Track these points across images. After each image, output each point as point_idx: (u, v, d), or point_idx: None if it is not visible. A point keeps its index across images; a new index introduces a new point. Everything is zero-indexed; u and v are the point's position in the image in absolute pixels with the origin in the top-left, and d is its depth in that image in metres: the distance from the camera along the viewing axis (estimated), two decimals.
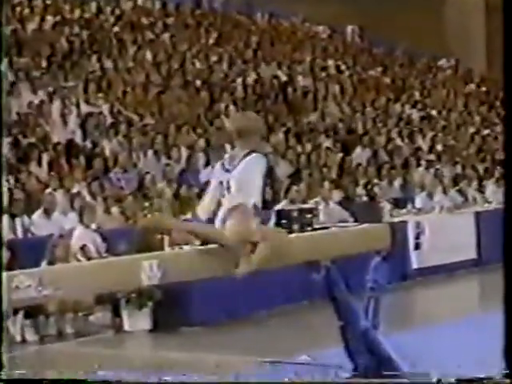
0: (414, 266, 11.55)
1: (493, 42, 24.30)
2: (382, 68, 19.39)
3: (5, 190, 9.15)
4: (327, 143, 14.38)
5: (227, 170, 5.15)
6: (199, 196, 11.21)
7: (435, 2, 24.12)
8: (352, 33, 21.66)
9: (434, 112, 17.60)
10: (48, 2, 15.87)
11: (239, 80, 15.65)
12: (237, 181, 5.08)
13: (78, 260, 8.65)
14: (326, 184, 12.06)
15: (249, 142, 5.15)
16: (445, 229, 11.95)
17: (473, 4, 25.15)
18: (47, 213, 9.70)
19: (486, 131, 17.24)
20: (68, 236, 9.10)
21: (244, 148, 5.13)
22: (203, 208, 5.24)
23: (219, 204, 5.18)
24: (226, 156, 5.25)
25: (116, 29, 15.91)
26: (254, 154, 5.10)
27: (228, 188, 5.12)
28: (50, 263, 8.24)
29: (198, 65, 15.74)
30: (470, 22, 24.84)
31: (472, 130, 17.08)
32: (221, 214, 5.11)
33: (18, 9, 14.94)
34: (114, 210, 10.33)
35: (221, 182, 5.16)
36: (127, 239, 8.76)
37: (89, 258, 8.65)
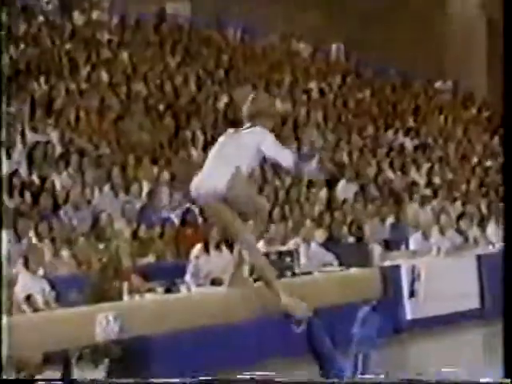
0: (409, 316, 11.59)
1: (495, 63, 24.67)
2: (370, 91, 19.57)
3: None
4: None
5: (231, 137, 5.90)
6: (161, 236, 11.28)
7: (432, 18, 24.48)
8: (337, 51, 21.88)
9: (429, 141, 17.76)
10: None
11: (209, 104, 15.73)
12: (237, 143, 5.83)
13: (23, 312, 8.60)
14: (308, 222, 12.12)
15: (260, 123, 5.88)
16: (443, 274, 12.02)
17: (473, 20, 25.56)
18: None
19: (489, 162, 17.41)
20: (11, 284, 9.04)
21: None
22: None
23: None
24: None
25: (67, 46, 15.97)
26: (258, 127, 5.83)
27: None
28: None
29: (161, 87, 15.81)
30: (471, 41, 25.21)
31: (473, 161, 17.24)
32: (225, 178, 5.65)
33: None
34: (65, 253, 10.29)
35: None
36: (80, 287, 8.74)
37: (35, 310, 8.60)
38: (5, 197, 11.03)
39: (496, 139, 19.01)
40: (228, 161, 5.76)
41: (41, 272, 9.50)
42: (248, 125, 5.94)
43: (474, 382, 4.99)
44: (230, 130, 6.02)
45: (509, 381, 4.83)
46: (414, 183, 15.37)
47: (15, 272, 9.47)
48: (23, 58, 14.84)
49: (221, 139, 6.02)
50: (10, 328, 4.55)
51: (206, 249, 10.49)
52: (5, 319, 5.09)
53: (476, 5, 25.48)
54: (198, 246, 10.50)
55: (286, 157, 5.77)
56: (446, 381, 5.11)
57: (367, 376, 5.76)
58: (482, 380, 4.99)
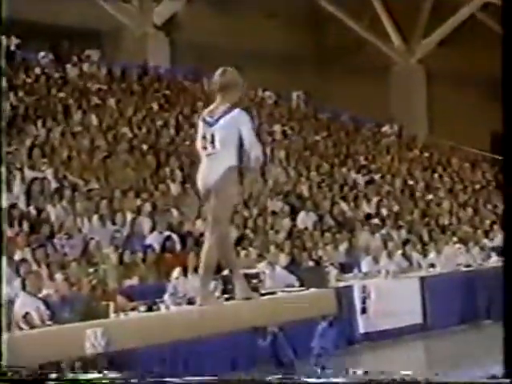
0: (361, 330, 11.56)
1: (434, 109, 24.96)
2: (326, 133, 19.65)
3: None
4: (274, 207, 14.46)
5: (209, 124, 5.62)
6: (144, 261, 11.20)
7: (379, 71, 24.73)
8: (297, 99, 21.99)
9: (378, 177, 17.83)
10: None
11: (186, 144, 15.72)
12: (221, 135, 5.56)
13: (21, 328, 8.48)
14: (272, 248, 12.09)
15: (229, 95, 5.71)
16: (390, 293, 12.02)
17: (415, 73, 25.86)
18: None
19: (430, 196, 17.51)
20: (10, 303, 8.92)
21: (224, 100, 5.69)
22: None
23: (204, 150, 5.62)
24: (206, 110, 5.76)
25: (61, 94, 15.92)
26: (236, 110, 5.65)
27: (212, 142, 5.58)
28: None
29: (144, 129, 15.79)
30: (412, 91, 25.52)
31: (416, 194, 17.33)
32: (213, 174, 5.54)
33: None
34: (58, 276, 10.19)
35: (203, 137, 5.63)
36: (71, 306, 8.64)
37: (32, 327, 8.48)
38: (5, 227, 10.93)
39: (435, 176, 19.15)
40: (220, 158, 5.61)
41: (37, 293, 9.38)
42: (219, 98, 5.77)
43: (474, 382, 4.87)
44: (208, 118, 5.73)
45: (508, 381, 4.70)
46: (365, 213, 15.41)
47: (13, 293, 9.35)
48: (22, 105, 14.77)
49: (200, 127, 5.78)
50: (10, 343, 4.49)
51: (185, 272, 10.44)
52: (5, 335, 5.02)
53: (416, 59, 25.78)
54: (177, 270, 10.44)
55: (257, 150, 5.68)
56: (446, 381, 5.00)
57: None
58: (481, 380, 4.86)
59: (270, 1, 23.01)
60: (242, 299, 5.65)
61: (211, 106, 5.84)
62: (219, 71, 5.85)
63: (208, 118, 5.71)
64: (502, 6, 5.12)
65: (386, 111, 23.75)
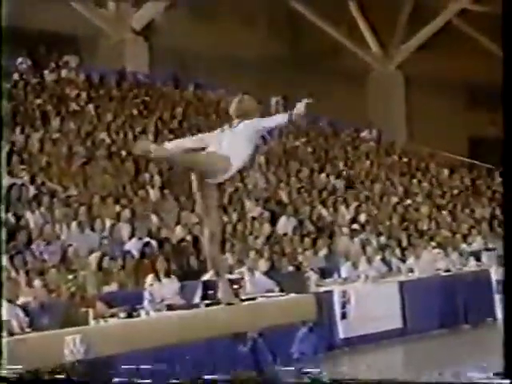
0: (341, 335, 11.59)
1: (413, 115, 25.10)
2: (306, 139, 19.69)
3: None
4: (253, 213, 14.47)
5: (223, 131, 6.25)
6: (123, 267, 11.17)
7: (358, 76, 24.85)
8: (276, 104, 22.02)
9: (357, 182, 17.88)
10: None
11: None
12: (229, 138, 6.16)
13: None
14: (252, 254, 12.10)
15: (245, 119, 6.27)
16: (370, 298, 12.06)
17: (393, 78, 26.01)
18: None
19: (408, 201, 17.58)
20: None
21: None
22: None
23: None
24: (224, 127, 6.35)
25: (39, 100, 15.86)
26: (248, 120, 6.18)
27: (220, 144, 6.17)
28: None
29: (122, 135, 15.76)
30: (391, 96, 25.66)
31: (395, 200, 17.40)
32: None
33: None
34: (37, 283, 10.14)
35: (217, 141, 6.19)
36: (50, 313, 8.60)
37: (11, 334, 8.43)
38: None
39: (414, 181, 19.24)
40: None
41: (16, 300, 9.33)
42: (236, 122, 6.31)
43: (474, 383, 4.89)
44: (224, 128, 6.34)
45: (508, 381, 4.71)
46: (344, 219, 15.44)
47: None
48: None
49: (219, 135, 6.29)
50: None
51: (158, 277, 10.48)
52: None
53: (394, 65, 25.92)
54: (151, 275, 10.48)
55: (278, 118, 6.31)
56: (447, 381, 5.01)
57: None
58: (482, 380, 4.89)
59: (249, 6, 23.07)
60: (226, 304, 5.66)
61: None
62: (237, 98, 6.47)
63: (224, 128, 6.33)
64: (502, 10, 5.19)
65: (365, 117, 23.86)
